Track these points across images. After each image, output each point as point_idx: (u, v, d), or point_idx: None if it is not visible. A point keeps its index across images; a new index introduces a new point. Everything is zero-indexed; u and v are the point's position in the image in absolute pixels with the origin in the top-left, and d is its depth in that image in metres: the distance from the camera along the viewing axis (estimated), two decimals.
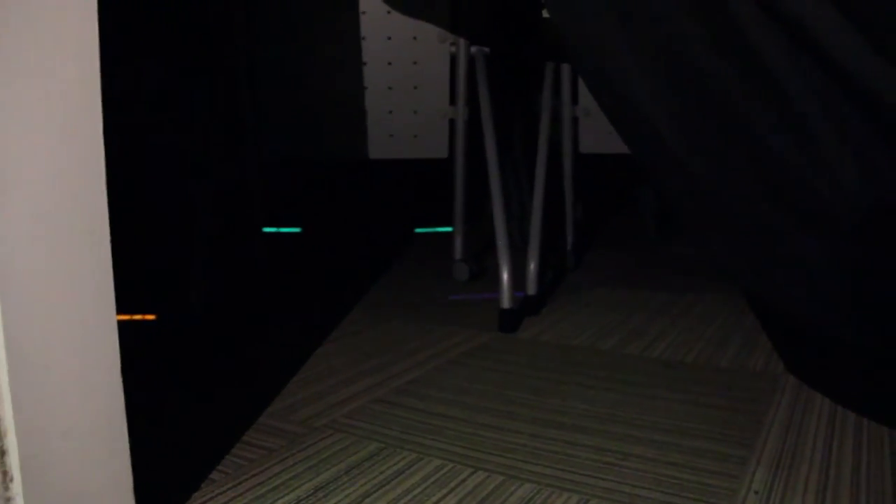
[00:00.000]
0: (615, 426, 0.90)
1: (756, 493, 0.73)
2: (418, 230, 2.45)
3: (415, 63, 1.57)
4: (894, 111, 0.62)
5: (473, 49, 1.57)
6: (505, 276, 1.32)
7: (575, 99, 1.68)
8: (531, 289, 1.42)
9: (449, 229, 1.77)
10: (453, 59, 1.58)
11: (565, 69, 1.65)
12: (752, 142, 0.71)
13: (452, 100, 1.60)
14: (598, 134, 1.66)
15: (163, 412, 0.97)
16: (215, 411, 0.98)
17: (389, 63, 1.56)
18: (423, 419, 0.94)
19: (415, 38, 1.55)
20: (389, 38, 1.55)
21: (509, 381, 1.07)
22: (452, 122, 1.62)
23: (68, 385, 0.59)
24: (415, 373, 1.11)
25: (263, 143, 1.68)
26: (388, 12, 1.54)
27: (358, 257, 2.12)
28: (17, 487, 0.56)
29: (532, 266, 1.42)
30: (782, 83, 0.67)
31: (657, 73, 0.74)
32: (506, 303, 1.32)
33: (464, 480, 0.77)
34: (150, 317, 1.43)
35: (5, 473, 0.55)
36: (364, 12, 1.53)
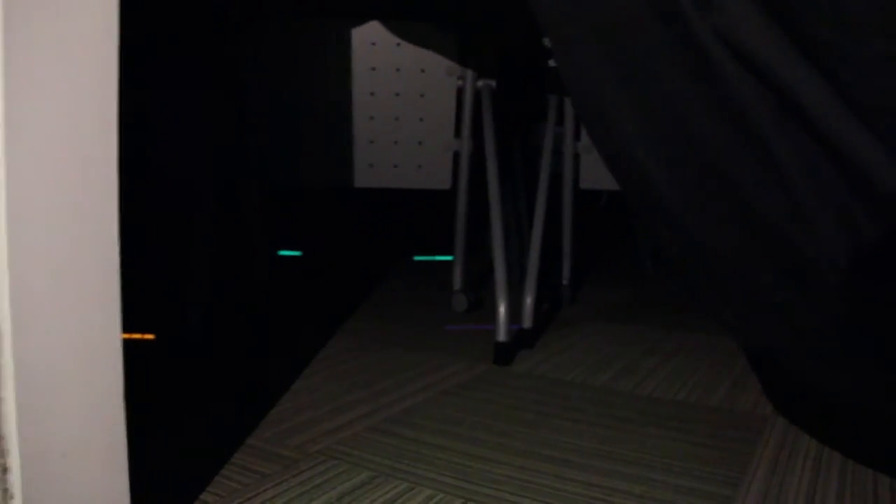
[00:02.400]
0: (604, 461, 0.91)
1: None
2: (417, 258, 2.47)
3: (422, 95, 1.60)
4: (876, 181, 0.65)
5: (480, 83, 1.60)
6: (501, 310, 1.34)
7: (577, 135, 1.70)
8: (527, 322, 1.44)
9: (447, 258, 1.79)
10: (459, 93, 1.61)
11: (569, 103, 1.68)
12: (740, 199, 0.74)
13: (457, 132, 1.63)
14: (598, 170, 1.69)
15: (156, 432, 0.98)
16: (207, 432, 1.00)
17: (397, 94, 1.59)
18: (416, 449, 0.95)
19: (422, 70, 1.58)
20: (398, 70, 1.58)
21: (502, 413, 1.09)
22: (456, 155, 1.65)
23: (71, 406, 0.61)
24: (409, 402, 1.12)
25: (268, 170, 1.70)
26: (398, 44, 1.57)
27: (358, 283, 2.14)
28: None
29: (528, 300, 1.44)
30: (771, 144, 0.69)
31: (654, 129, 0.77)
32: (501, 336, 1.34)
33: None
34: (150, 336, 1.45)
35: (6, 491, 0.57)
36: (374, 43, 1.56)
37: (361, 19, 1.55)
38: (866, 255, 0.70)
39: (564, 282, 1.83)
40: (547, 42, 0.87)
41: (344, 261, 2.53)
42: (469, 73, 1.60)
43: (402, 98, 1.60)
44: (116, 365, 0.64)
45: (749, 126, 0.70)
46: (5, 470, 0.57)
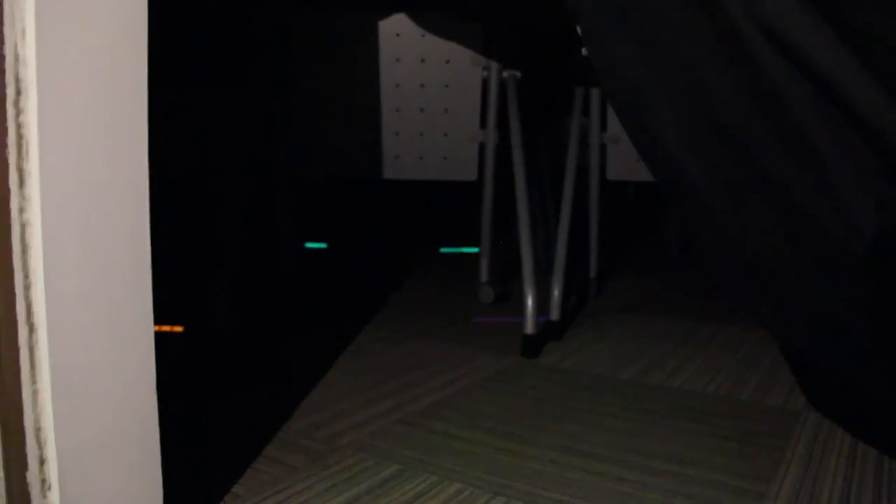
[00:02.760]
0: (634, 456, 0.91)
1: None
2: (443, 249, 2.47)
3: (447, 86, 1.59)
4: None
5: (505, 74, 1.59)
6: (529, 302, 1.33)
7: (604, 126, 1.69)
8: (554, 314, 1.43)
9: (473, 250, 1.79)
10: (485, 84, 1.60)
11: (595, 94, 1.67)
12: (778, 190, 0.73)
13: (483, 123, 1.63)
14: (625, 161, 1.67)
15: (186, 424, 0.99)
16: (237, 424, 1.01)
17: (422, 85, 1.59)
18: (445, 442, 0.95)
19: (447, 61, 1.57)
20: (423, 61, 1.57)
21: (530, 406, 1.08)
22: (482, 146, 1.64)
23: (107, 398, 0.61)
24: (437, 395, 1.12)
25: (294, 161, 1.71)
26: (423, 35, 1.56)
27: (384, 275, 2.14)
28: (54, 496, 0.58)
29: (556, 292, 1.43)
30: (809, 134, 0.68)
31: (686, 117, 0.76)
32: (529, 328, 1.33)
33: None
34: (178, 328, 1.46)
35: (44, 482, 0.58)
36: (398, 34, 1.56)
37: (387, 11, 1.55)
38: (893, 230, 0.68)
39: (592, 274, 1.82)
40: (579, 31, 0.86)
41: (370, 253, 2.53)
42: (494, 64, 1.59)
43: (427, 89, 1.59)
44: (148, 357, 0.64)
45: (787, 115, 0.69)
46: (43, 461, 0.57)
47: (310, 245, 2.47)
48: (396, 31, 1.57)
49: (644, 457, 0.91)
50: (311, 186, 2.16)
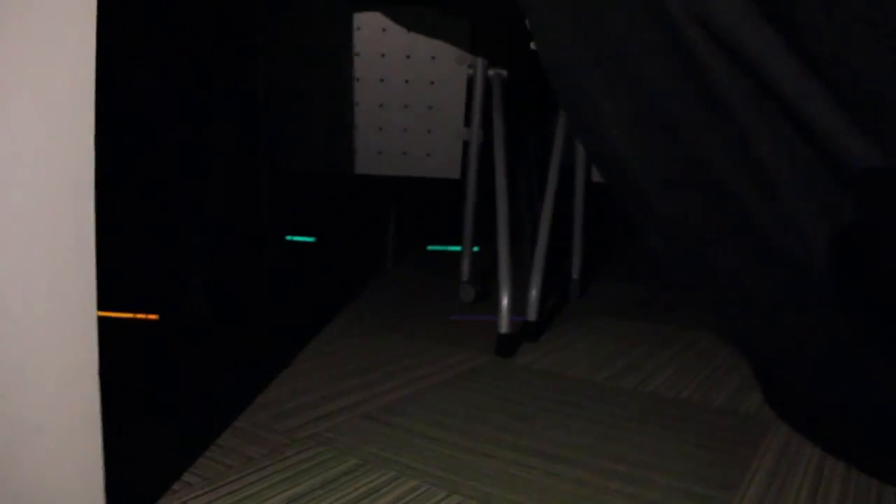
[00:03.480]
0: (598, 459, 0.89)
1: None
2: (431, 247, 2.46)
3: (432, 83, 1.57)
4: (854, 164, 0.62)
5: (491, 72, 1.58)
6: (504, 301, 1.32)
7: None
8: (531, 315, 1.42)
9: (460, 248, 1.78)
10: (470, 82, 1.58)
11: None
12: (715, 182, 0.72)
13: (467, 122, 1.61)
14: None
15: (145, 411, 0.97)
16: (197, 414, 0.99)
17: (407, 81, 1.57)
18: (407, 438, 0.93)
19: (433, 58, 1.56)
20: (408, 57, 1.56)
21: (499, 406, 1.07)
22: (466, 144, 1.63)
23: (44, 380, 0.60)
24: (405, 391, 1.11)
25: (278, 156, 1.69)
26: (409, 31, 1.55)
27: (368, 271, 2.13)
28: None
29: (534, 292, 1.41)
30: (747, 127, 0.67)
31: (628, 110, 0.75)
32: (503, 328, 1.32)
33: (437, 503, 0.77)
34: (154, 317, 1.44)
35: None
36: (384, 30, 1.54)
37: (365, 6, 1.53)
38: (847, 243, 0.67)
39: (574, 275, 1.80)
40: (528, 25, 0.86)
41: (358, 248, 2.52)
42: (480, 62, 1.57)
43: (411, 85, 1.58)
44: (90, 345, 0.63)
45: (725, 109, 0.68)
46: None
47: (298, 239, 2.46)
48: (382, 26, 1.56)
49: (608, 461, 0.89)
50: (300, 180, 2.15)
